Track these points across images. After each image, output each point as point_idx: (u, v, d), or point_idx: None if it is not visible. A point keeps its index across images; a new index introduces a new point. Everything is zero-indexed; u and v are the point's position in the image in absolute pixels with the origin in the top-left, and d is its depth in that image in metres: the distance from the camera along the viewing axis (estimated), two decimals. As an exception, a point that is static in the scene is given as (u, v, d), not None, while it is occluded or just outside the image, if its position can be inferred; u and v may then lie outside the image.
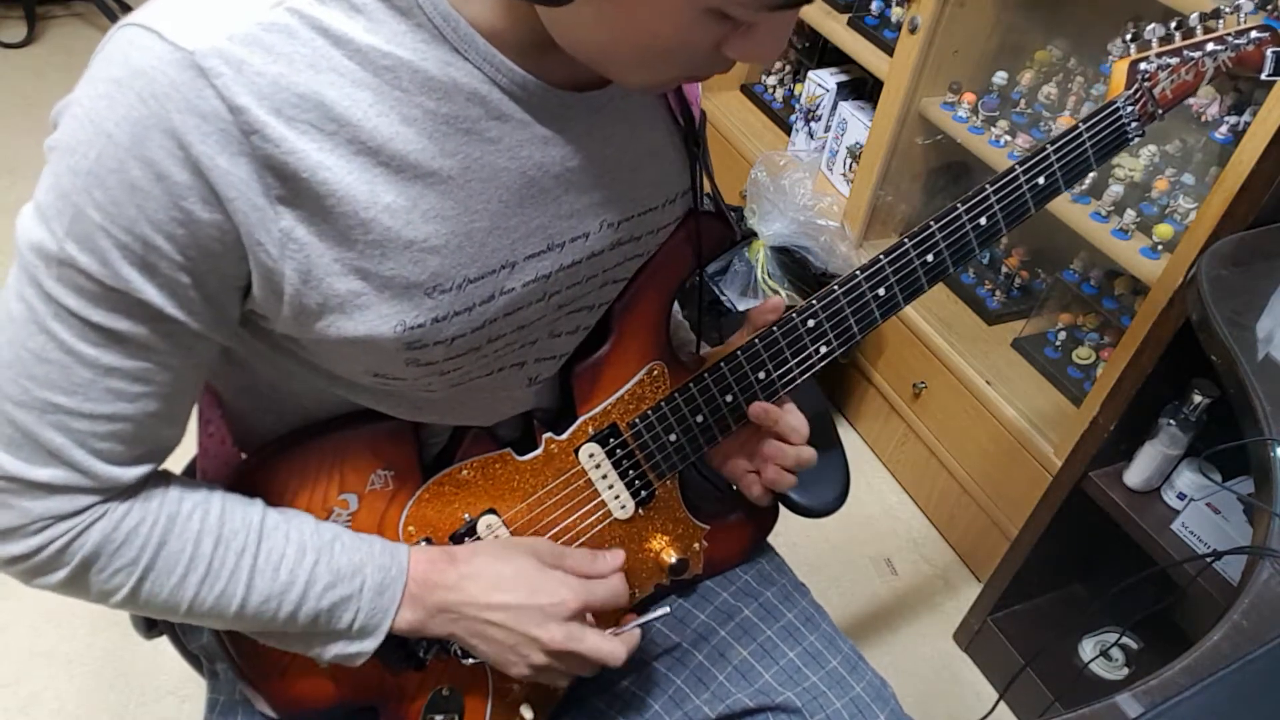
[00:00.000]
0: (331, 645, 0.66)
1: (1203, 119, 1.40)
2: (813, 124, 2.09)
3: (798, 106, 2.13)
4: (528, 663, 0.68)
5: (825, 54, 2.14)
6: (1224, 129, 1.37)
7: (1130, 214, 1.44)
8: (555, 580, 0.69)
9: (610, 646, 0.70)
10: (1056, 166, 0.77)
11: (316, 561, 0.63)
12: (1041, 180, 0.77)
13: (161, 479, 0.62)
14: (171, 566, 0.60)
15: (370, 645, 0.66)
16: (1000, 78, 1.69)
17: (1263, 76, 0.90)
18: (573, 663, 0.70)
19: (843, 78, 2.02)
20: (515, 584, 0.67)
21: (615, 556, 0.74)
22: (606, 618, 0.77)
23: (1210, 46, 0.86)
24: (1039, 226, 1.60)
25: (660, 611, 0.78)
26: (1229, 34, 0.87)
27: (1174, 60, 0.83)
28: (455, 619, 0.67)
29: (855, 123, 1.95)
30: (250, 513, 0.63)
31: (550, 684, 0.70)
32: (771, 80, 2.33)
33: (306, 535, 0.64)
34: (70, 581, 0.59)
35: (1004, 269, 1.85)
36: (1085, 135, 0.79)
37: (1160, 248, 1.40)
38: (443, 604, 0.67)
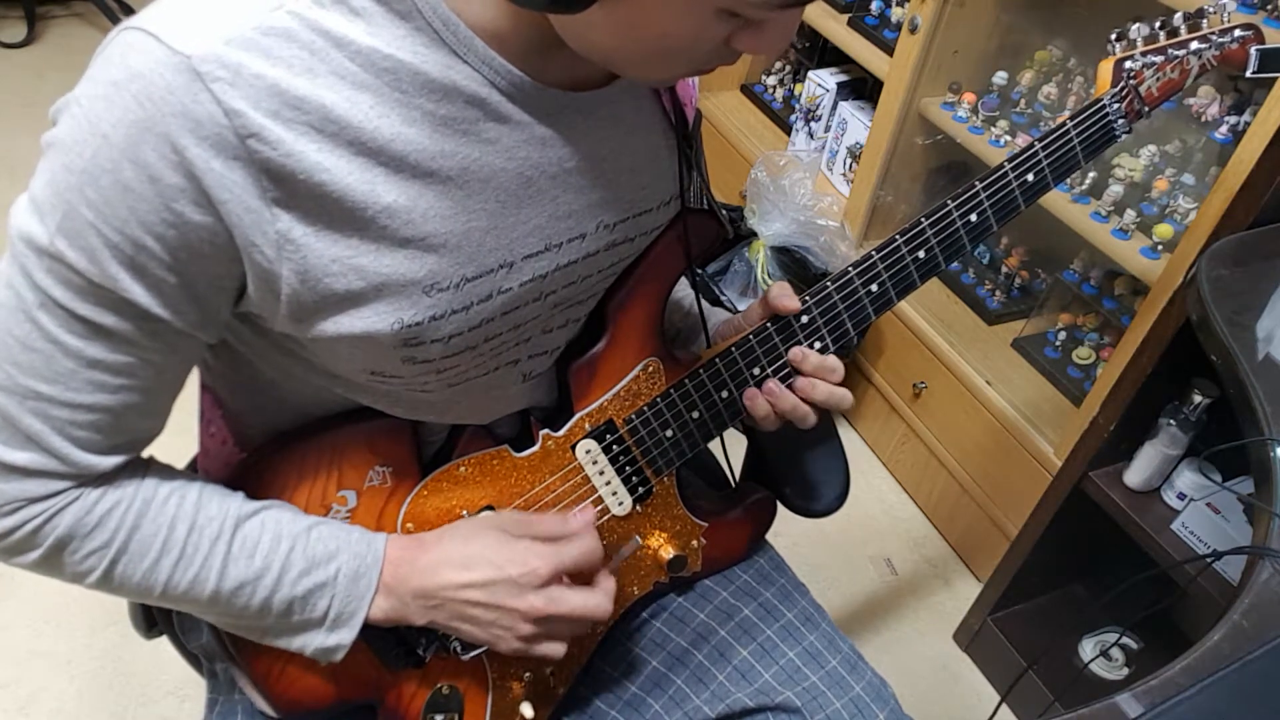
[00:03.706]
0: (309, 637, 0.65)
1: (1203, 119, 1.40)
2: (813, 124, 2.09)
3: (798, 106, 2.13)
4: (515, 635, 0.68)
5: (825, 54, 2.14)
6: (1224, 129, 1.37)
7: (1130, 214, 1.44)
8: (522, 549, 0.68)
9: (594, 600, 0.70)
10: (1045, 164, 0.78)
11: (292, 548, 0.64)
12: (1030, 177, 0.78)
13: (140, 466, 0.62)
14: (144, 550, 0.60)
15: (346, 636, 0.66)
16: (1000, 78, 1.69)
17: (1247, 74, 0.91)
18: (561, 626, 0.69)
19: (843, 78, 2.02)
20: (483, 560, 0.67)
21: (585, 515, 0.73)
22: (584, 579, 0.76)
23: (1195, 45, 0.87)
24: (1039, 226, 1.60)
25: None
26: (1213, 32, 0.88)
27: (1159, 59, 0.84)
28: (434, 605, 0.67)
29: (855, 123, 1.95)
30: (227, 501, 0.63)
31: (546, 656, 0.70)
32: (771, 80, 2.33)
33: (283, 523, 0.64)
34: (44, 562, 0.59)
35: (1004, 269, 1.85)
36: (1073, 132, 0.79)
37: (1160, 248, 1.40)
38: (418, 590, 0.66)
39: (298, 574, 0.63)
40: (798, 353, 0.76)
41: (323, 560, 0.64)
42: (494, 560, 0.67)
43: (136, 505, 0.60)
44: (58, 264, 0.51)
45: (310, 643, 0.66)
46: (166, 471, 0.63)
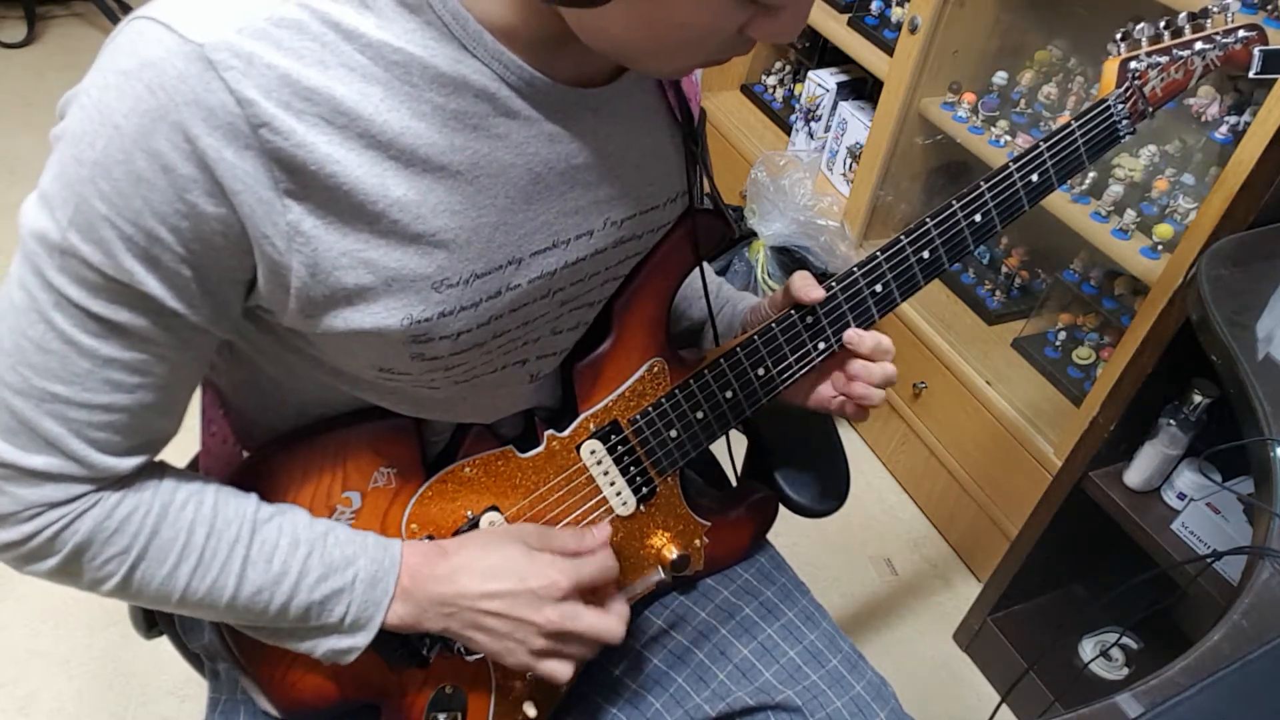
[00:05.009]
0: (323, 640, 0.65)
1: (1203, 119, 1.40)
2: (813, 124, 2.09)
3: (798, 106, 2.13)
4: (527, 649, 0.68)
5: (825, 54, 2.14)
6: (1224, 129, 1.37)
7: (1130, 214, 1.44)
8: (544, 563, 0.68)
9: (607, 622, 0.70)
10: (1050, 164, 0.78)
11: (309, 553, 0.63)
12: (1035, 177, 0.78)
13: (156, 469, 0.62)
14: (164, 556, 0.60)
15: (362, 640, 0.66)
16: (1000, 78, 1.69)
17: (1250, 74, 0.91)
18: (571, 644, 0.69)
19: (843, 78, 2.03)
20: (505, 571, 0.67)
21: (601, 531, 0.74)
22: (599, 598, 0.77)
23: (1199, 45, 0.87)
24: (1039, 226, 1.60)
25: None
26: (1217, 33, 0.88)
27: (1163, 59, 0.84)
28: (451, 613, 0.67)
29: (855, 123, 1.95)
30: (244, 504, 0.63)
31: (552, 677, 0.70)
32: (771, 80, 2.33)
33: (300, 528, 0.64)
34: (62, 569, 0.59)
35: (1004, 269, 1.86)
36: (1078, 133, 0.79)
37: (1160, 248, 1.40)
38: (436, 597, 0.66)
39: (315, 579, 0.63)
40: (853, 334, 0.77)
41: (340, 566, 0.64)
42: (517, 572, 0.67)
43: (155, 510, 0.60)
44: (71, 259, 0.51)
45: (323, 645, 0.66)
46: (181, 475, 0.63)
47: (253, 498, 0.64)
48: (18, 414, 0.54)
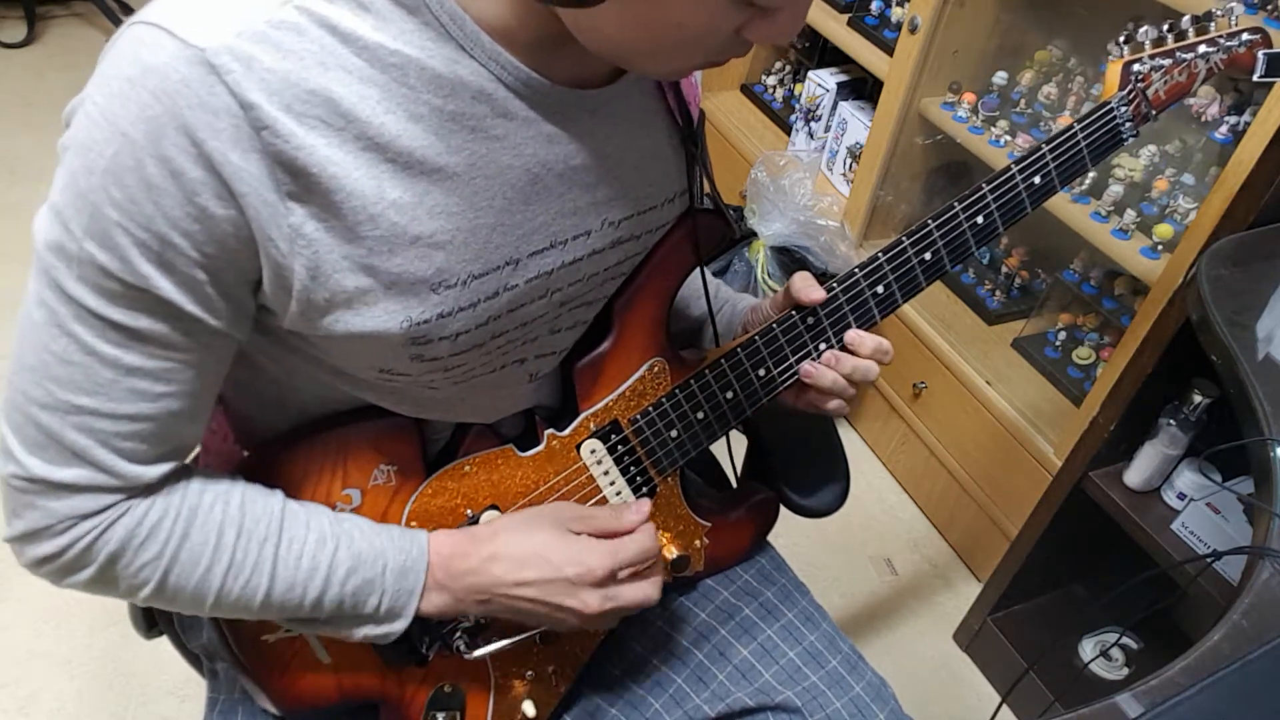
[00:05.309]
0: (360, 628, 0.66)
1: (1203, 119, 1.40)
2: (813, 124, 2.09)
3: (798, 106, 2.13)
4: (565, 626, 0.70)
5: (825, 54, 2.14)
6: (1224, 129, 1.37)
7: (1130, 214, 1.44)
8: (580, 548, 0.69)
9: (644, 592, 0.71)
10: (1052, 166, 0.78)
11: (336, 548, 0.64)
12: (1037, 180, 0.78)
13: (182, 473, 0.62)
14: (196, 559, 0.60)
15: (399, 626, 0.67)
16: (1000, 78, 1.69)
17: (1254, 78, 0.91)
18: (612, 615, 0.71)
19: (843, 78, 2.03)
20: (539, 560, 0.67)
21: (641, 507, 0.72)
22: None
23: (1202, 48, 0.87)
24: (1039, 226, 1.60)
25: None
26: (1220, 36, 0.88)
27: (1167, 62, 0.84)
28: (487, 600, 0.68)
29: (855, 123, 1.95)
30: (270, 502, 0.63)
31: (603, 627, 0.72)
32: (771, 80, 2.33)
33: (325, 523, 0.65)
34: (98, 578, 0.59)
35: (1004, 269, 1.86)
36: (1080, 135, 0.79)
37: (1160, 248, 1.40)
38: (471, 587, 0.67)
39: (345, 573, 0.64)
40: (853, 335, 0.76)
41: (368, 559, 0.65)
42: (551, 560, 0.67)
43: (185, 514, 0.60)
44: (89, 268, 0.51)
45: (360, 632, 0.67)
46: (208, 476, 0.63)
47: (278, 494, 0.65)
48: (45, 428, 0.55)
